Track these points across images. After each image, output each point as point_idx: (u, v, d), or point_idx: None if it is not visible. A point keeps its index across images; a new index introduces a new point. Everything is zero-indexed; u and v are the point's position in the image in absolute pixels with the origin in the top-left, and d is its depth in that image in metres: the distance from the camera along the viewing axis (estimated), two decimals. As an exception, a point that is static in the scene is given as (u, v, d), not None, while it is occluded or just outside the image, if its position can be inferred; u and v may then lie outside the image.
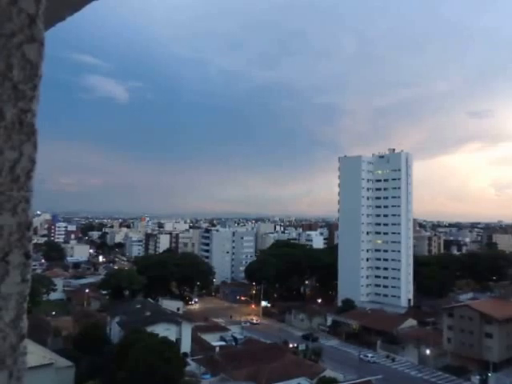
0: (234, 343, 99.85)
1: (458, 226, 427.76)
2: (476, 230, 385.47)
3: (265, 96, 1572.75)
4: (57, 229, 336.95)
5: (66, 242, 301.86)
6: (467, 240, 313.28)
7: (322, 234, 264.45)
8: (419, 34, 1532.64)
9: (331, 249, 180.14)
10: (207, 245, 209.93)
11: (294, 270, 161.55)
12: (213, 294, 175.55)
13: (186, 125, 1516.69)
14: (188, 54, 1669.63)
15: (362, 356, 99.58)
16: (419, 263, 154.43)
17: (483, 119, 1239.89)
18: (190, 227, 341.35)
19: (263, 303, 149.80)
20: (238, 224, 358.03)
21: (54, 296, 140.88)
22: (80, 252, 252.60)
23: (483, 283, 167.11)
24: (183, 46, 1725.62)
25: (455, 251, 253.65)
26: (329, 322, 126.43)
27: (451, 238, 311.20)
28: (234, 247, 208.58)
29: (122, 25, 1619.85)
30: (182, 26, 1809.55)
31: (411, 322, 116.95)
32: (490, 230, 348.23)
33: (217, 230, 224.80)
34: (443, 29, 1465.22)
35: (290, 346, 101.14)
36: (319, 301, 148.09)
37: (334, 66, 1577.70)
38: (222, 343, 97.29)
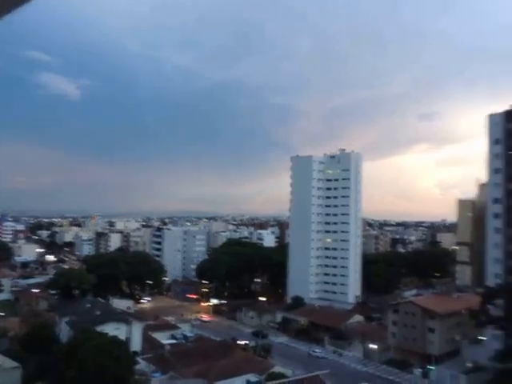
0: (184, 341, 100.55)
1: (405, 225, 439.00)
2: (421, 228, 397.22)
3: (223, 94, 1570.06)
4: (4, 228, 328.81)
5: (14, 241, 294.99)
6: (413, 238, 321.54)
7: (273, 232, 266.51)
8: (377, 36, 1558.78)
9: (282, 247, 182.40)
10: (159, 243, 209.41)
11: (246, 268, 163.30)
12: (164, 292, 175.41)
13: (143, 123, 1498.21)
14: (142, 49, 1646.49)
15: (310, 352, 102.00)
16: (367, 261, 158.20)
17: (432, 121, 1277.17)
18: (143, 226, 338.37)
19: (214, 301, 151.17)
20: (191, 223, 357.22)
21: (1, 297, 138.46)
22: (28, 251, 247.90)
23: (426, 280, 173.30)
24: (137, 41, 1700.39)
25: (401, 249, 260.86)
26: (278, 318, 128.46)
27: (397, 237, 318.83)
28: (185, 246, 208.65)
29: (74, 16, 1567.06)
30: (136, 18, 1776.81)
31: (358, 318, 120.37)
32: (434, 228, 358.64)
33: (168, 229, 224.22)
34: (401, 31, 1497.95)
35: (241, 343, 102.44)
36: (269, 298, 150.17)
37: (292, 66, 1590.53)
38: (173, 341, 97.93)
